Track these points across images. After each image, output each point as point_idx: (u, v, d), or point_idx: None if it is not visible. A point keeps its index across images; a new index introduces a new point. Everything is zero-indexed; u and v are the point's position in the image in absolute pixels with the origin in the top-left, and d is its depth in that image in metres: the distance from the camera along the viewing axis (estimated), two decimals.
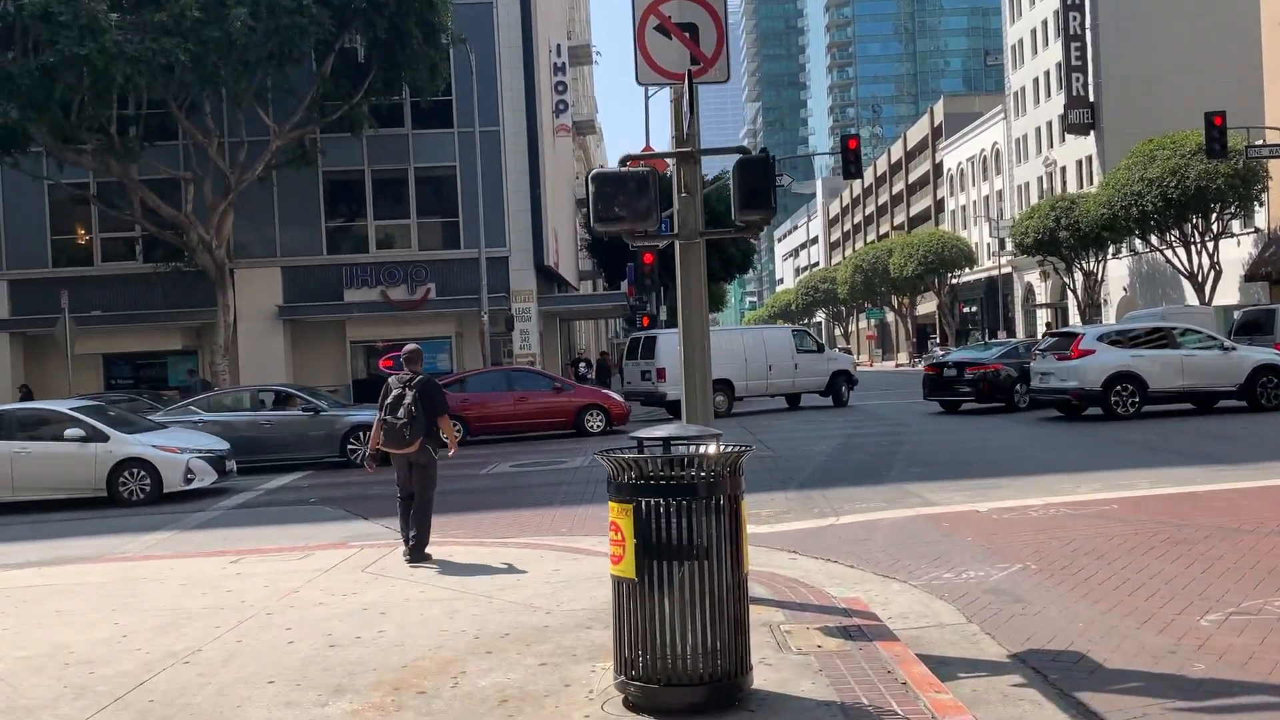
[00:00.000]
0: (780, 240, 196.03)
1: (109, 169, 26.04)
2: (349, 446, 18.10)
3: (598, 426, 22.35)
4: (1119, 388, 18.71)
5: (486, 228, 29.74)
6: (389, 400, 9.46)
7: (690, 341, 7.21)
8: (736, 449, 5.01)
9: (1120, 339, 19.33)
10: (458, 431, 21.81)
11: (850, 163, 31.24)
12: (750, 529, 10.64)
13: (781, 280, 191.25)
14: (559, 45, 34.03)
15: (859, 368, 35.73)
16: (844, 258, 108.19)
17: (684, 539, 4.68)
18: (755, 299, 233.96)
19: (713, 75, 7.34)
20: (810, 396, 28.58)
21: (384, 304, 30.12)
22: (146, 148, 26.23)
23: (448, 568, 8.65)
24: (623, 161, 7.20)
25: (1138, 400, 18.77)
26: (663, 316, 36.94)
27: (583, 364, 29.57)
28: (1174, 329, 19.74)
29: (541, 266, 31.10)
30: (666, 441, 4.96)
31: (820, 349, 29.58)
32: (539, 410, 22.47)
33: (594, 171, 7.00)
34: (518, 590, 7.59)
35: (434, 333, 30.85)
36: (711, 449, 4.95)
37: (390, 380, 9.60)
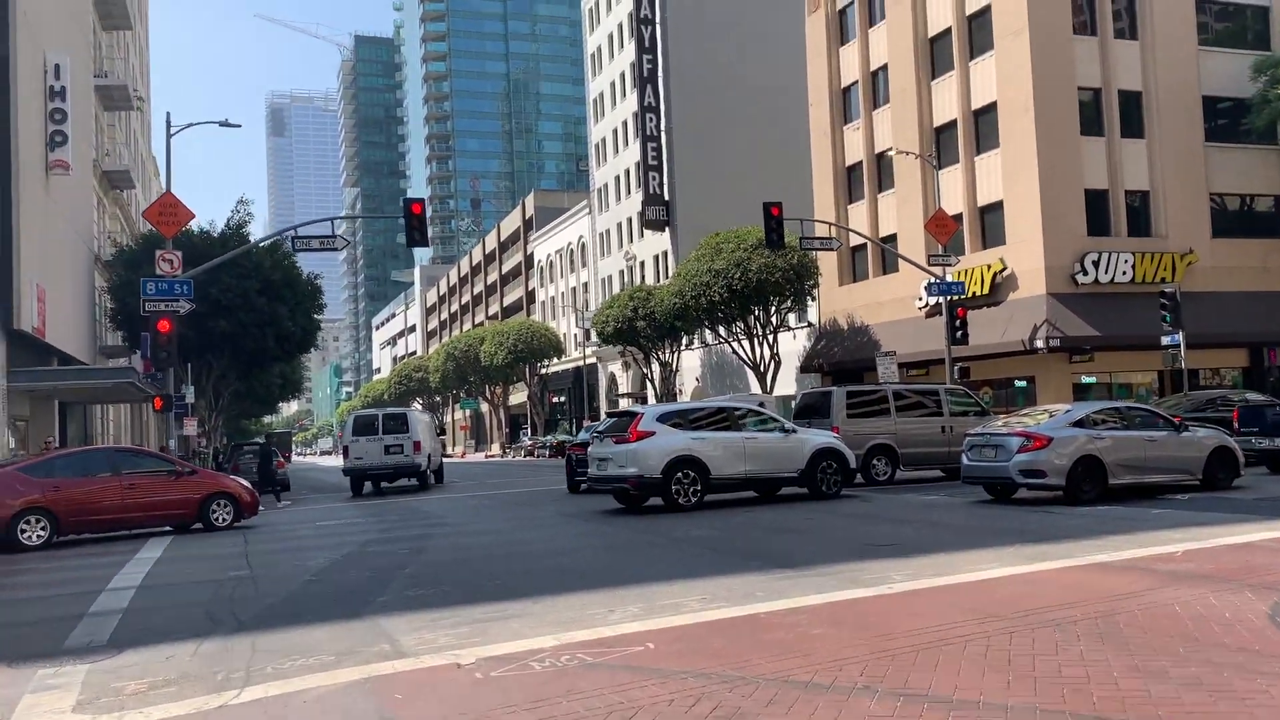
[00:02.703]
0: (378, 328, 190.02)
1: None
2: None
3: (225, 519, 18.86)
4: (680, 474, 16.54)
5: None
6: None
7: None
8: None
9: (681, 420, 17.25)
10: (42, 529, 16.47)
11: (415, 229, 27.93)
12: None
13: (379, 369, 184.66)
14: (58, 66, 27.80)
15: (452, 458, 37.98)
16: (440, 345, 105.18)
17: None
18: (352, 388, 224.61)
19: None
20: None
21: None
22: None
23: None
24: None
25: (699, 489, 16.70)
26: (189, 398, 31.08)
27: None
28: (736, 410, 18.06)
29: (12, 331, 24.41)
30: None
31: (442, 433, 33.20)
32: (153, 500, 18.29)
33: None
34: None
35: None
36: None
37: None
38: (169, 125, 27.71)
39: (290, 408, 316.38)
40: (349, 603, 9.62)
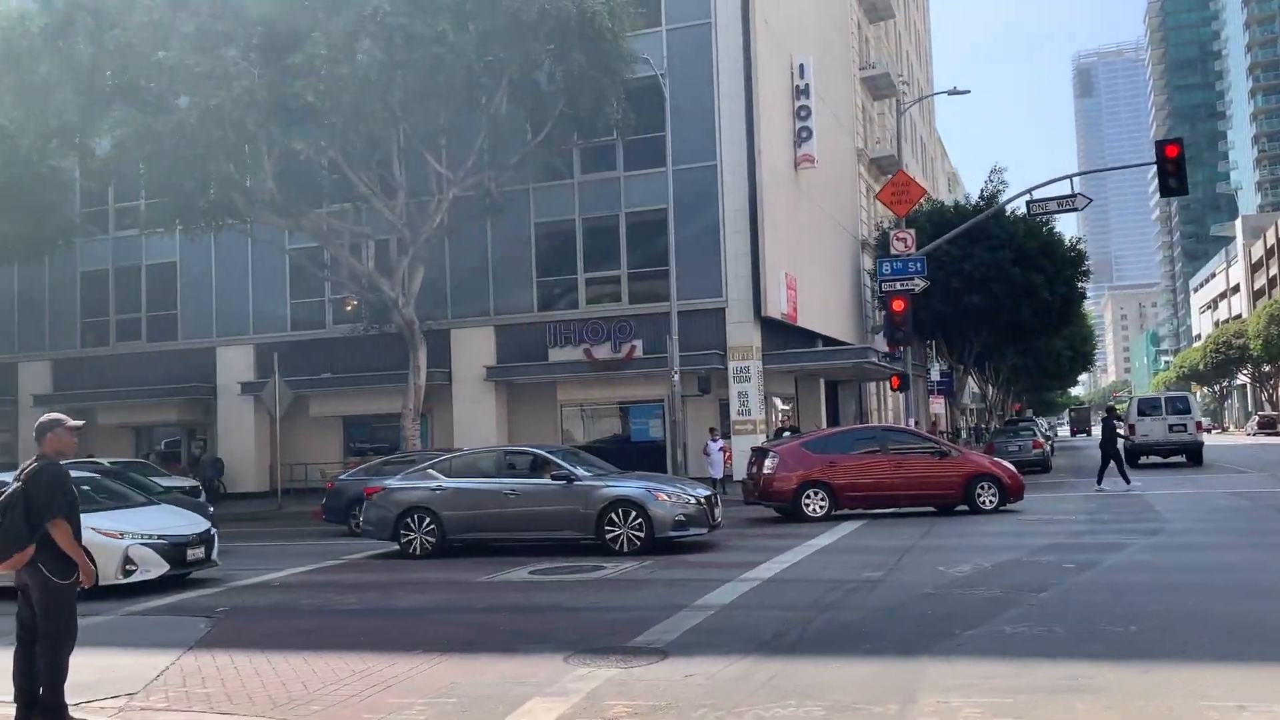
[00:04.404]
0: (1196, 290, 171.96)
1: (302, 228, 25.72)
2: (607, 526, 14.12)
3: (990, 501, 18.08)
4: None
5: (700, 276, 26.34)
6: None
7: None
8: None
9: None
10: (822, 502, 17.73)
11: (1170, 175, 24.08)
12: None
13: (1198, 336, 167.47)
14: (802, 65, 29.75)
15: None
16: (1262, 306, 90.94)
17: None
18: (1171, 357, 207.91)
19: None
20: None
21: (588, 364, 27.33)
22: (349, 202, 25.84)
23: None
24: None
25: None
26: (934, 375, 30.90)
27: (787, 433, 24.67)
28: None
29: (764, 318, 26.71)
30: None
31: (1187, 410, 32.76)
32: (920, 479, 18.35)
33: None
34: None
35: (645, 395, 27.61)
36: None
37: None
38: (899, 105, 27.81)
39: (1106, 378, 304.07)
40: (929, 633, 8.06)
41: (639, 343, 26.84)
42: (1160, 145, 24.41)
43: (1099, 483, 23.21)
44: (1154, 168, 24.17)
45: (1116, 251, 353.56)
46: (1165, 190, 24.57)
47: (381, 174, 25.25)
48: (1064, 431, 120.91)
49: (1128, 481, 23.09)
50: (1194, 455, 32.12)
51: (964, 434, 39.46)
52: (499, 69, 22.44)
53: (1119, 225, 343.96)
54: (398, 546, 14.95)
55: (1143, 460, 32.53)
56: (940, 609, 9.07)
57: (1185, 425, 31.80)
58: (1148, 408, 32.91)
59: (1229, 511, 16.68)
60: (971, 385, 63.12)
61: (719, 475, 23.55)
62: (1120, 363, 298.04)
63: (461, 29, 20.70)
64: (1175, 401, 32.94)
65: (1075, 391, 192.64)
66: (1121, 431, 26.87)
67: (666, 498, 14.05)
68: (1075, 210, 25.86)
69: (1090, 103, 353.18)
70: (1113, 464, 23.15)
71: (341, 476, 21.53)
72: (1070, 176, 25.67)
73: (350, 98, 20.50)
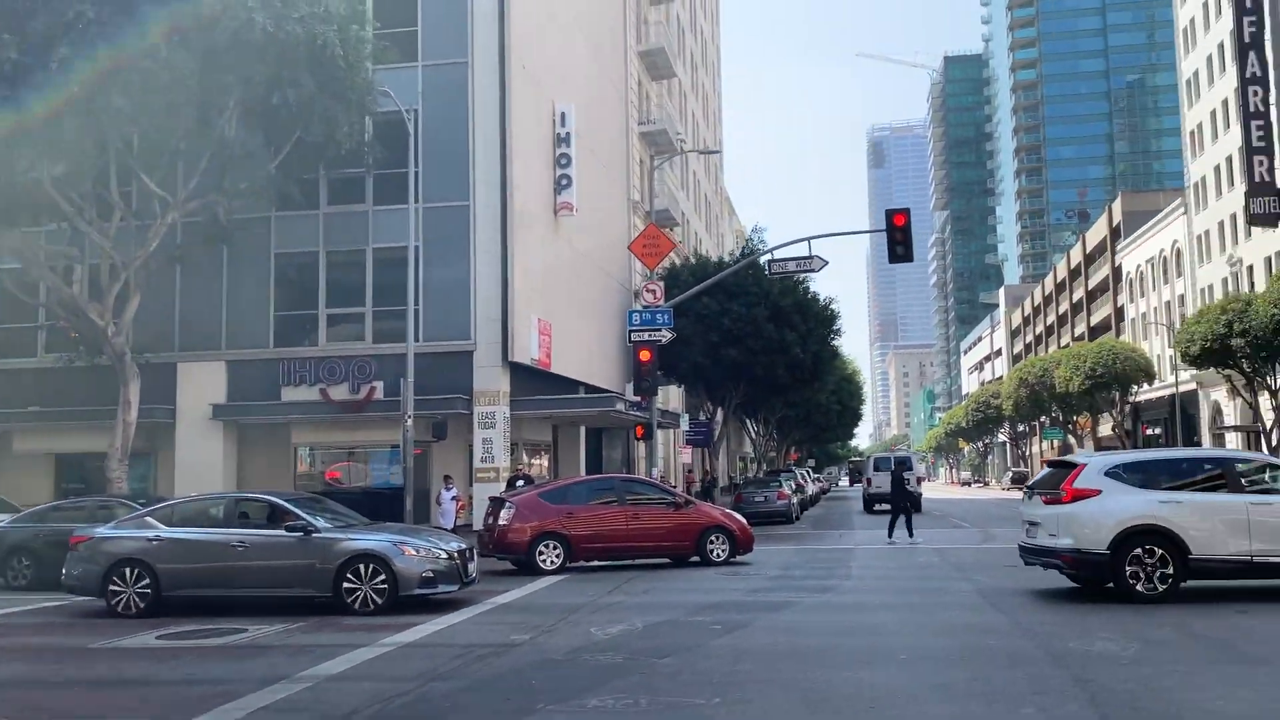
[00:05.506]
0: (966, 352, 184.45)
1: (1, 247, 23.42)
2: (345, 583, 12.91)
3: (720, 554, 18.19)
4: (1138, 552, 11.82)
5: (449, 317, 25.69)
6: None
7: None
8: None
9: (1147, 476, 12.38)
10: (556, 554, 17.15)
11: (898, 243, 25.30)
12: None
13: (968, 395, 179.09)
14: (564, 113, 29.72)
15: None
16: (1013, 370, 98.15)
17: None
18: (943, 414, 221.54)
19: None
20: None
21: (324, 404, 26.01)
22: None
23: None
24: None
25: (1171, 573, 11.80)
26: (682, 425, 31.21)
27: (520, 481, 24.20)
28: (1240, 461, 12.61)
29: (512, 363, 26.19)
30: None
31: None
32: (656, 531, 18.16)
33: None
34: None
35: (387, 439, 26.41)
36: None
37: None
38: (651, 161, 28.16)
39: (890, 431, 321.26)
40: (512, 708, 7.60)
41: (380, 384, 25.75)
42: (889, 214, 25.67)
43: (889, 536, 23.57)
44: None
45: (901, 313, 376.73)
46: (894, 257, 25.72)
47: (98, 192, 23.38)
48: (845, 482, 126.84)
49: (890, 535, 23.76)
50: (915, 504, 36.29)
51: (682, 484, 39.93)
52: (226, 90, 21.18)
53: (904, 289, 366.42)
54: (105, 604, 13.35)
55: (876, 508, 39.32)
56: (548, 679, 8.61)
57: (907, 479, 35.46)
58: (880, 464, 40.75)
59: (915, 569, 17.19)
60: (748, 435, 64.82)
61: (449, 526, 22.70)
62: (902, 417, 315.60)
63: (179, 45, 19.39)
64: (901, 461, 38.64)
65: (859, 443, 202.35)
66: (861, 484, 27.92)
67: (414, 552, 13.07)
68: (813, 271, 26.76)
69: (882, 173, 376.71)
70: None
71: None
72: (809, 239, 26.60)
73: (40, 107, 18.78)
